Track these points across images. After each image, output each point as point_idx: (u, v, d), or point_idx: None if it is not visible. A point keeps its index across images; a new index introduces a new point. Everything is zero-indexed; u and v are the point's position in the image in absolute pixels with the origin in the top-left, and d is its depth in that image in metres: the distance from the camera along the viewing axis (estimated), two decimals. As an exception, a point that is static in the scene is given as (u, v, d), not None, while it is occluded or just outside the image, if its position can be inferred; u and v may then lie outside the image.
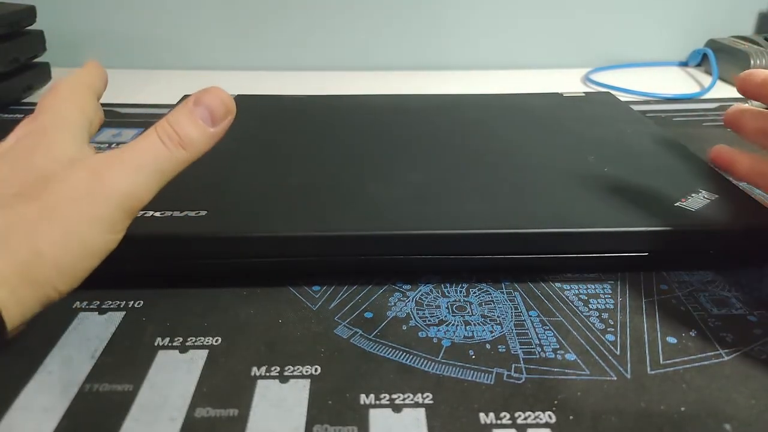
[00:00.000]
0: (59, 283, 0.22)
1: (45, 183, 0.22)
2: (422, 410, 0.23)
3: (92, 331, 0.26)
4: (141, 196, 0.23)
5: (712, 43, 0.68)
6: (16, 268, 0.20)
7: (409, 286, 0.30)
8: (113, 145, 0.46)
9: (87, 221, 0.22)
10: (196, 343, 0.26)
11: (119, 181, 0.22)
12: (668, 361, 0.25)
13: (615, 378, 0.24)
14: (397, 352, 0.26)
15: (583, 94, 0.51)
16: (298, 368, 0.25)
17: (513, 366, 0.25)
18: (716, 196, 0.32)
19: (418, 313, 0.28)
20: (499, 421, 0.22)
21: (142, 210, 0.29)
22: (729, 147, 0.35)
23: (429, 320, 0.28)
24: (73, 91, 0.26)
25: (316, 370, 0.25)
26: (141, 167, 0.23)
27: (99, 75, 0.28)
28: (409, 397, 0.23)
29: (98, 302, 0.28)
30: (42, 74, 0.58)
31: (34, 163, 0.23)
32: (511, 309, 0.28)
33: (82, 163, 0.23)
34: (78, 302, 0.28)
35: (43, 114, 0.25)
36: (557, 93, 0.51)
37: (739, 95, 0.32)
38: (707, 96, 0.61)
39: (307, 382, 0.24)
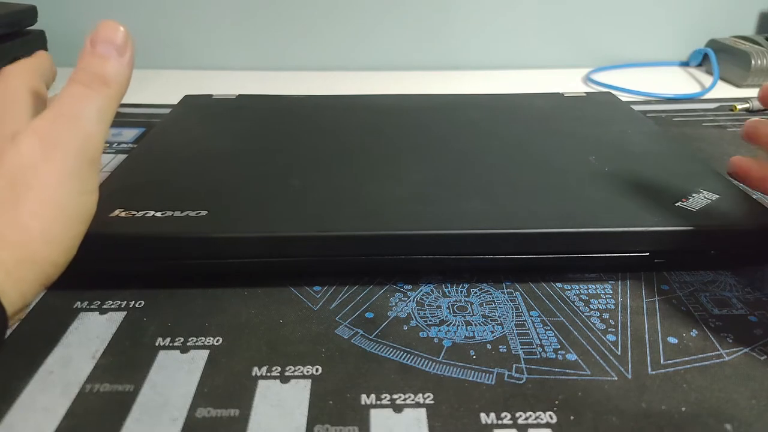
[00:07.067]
0: (54, 255, 0.22)
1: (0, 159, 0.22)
2: (423, 410, 0.23)
3: (93, 331, 0.26)
4: (94, 140, 0.24)
5: (713, 43, 0.68)
6: (10, 250, 0.20)
7: (410, 287, 0.30)
8: (114, 145, 0.46)
9: (56, 183, 0.22)
10: (197, 344, 0.26)
11: (68, 134, 0.23)
12: (669, 362, 0.25)
13: (616, 378, 0.24)
14: (398, 352, 0.26)
15: (584, 94, 0.51)
16: (299, 368, 0.25)
17: (514, 366, 0.25)
18: (717, 196, 0.32)
19: (419, 314, 0.28)
20: (499, 422, 0.22)
21: (142, 210, 0.29)
22: (744, 157, 0.34)
23: (430, 320, 0.28)
24: (19, 75, 0.26)
25: (317, 370, 0.25)
26: (81, 114, 0.24)
27: (47, 63, 0.28)
28: (410, 397, 0.23)
29: (99, 302, 0.28)
30: (43, 74, 0.58)
31: None
32: (512, 309, 0.28)
33: (25, 132, 0.23)
34: (79, 302, 0.28)
35: None
36: (558, 93, 0.51)
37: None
38: (708, 96, 0.61)
39: (308, 383, 0.24)
